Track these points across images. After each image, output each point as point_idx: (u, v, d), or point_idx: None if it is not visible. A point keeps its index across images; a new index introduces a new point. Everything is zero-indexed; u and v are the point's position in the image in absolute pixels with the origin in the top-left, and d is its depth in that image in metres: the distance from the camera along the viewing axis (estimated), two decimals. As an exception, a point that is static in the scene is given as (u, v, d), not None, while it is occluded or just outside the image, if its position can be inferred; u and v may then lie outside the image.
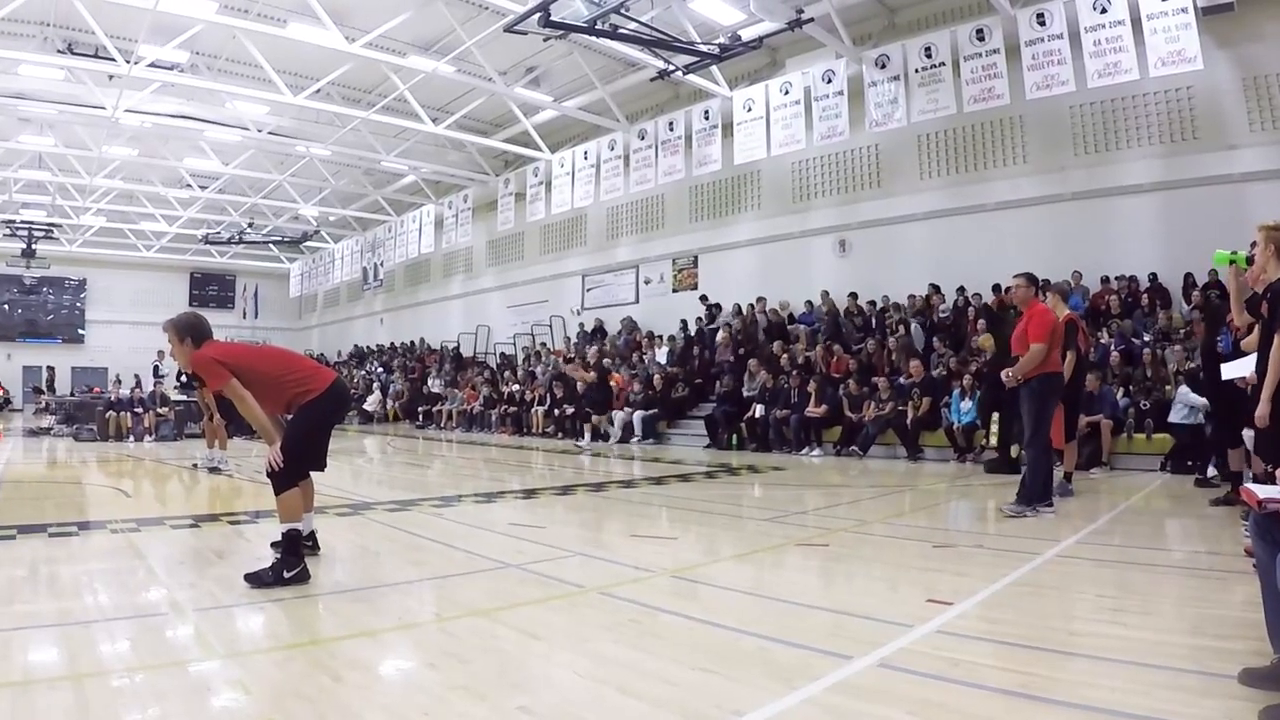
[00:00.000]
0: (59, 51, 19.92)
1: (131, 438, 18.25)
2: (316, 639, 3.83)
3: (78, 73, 20.12)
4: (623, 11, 14.26)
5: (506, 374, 25.11)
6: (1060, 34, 14.38)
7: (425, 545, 6.30)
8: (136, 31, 17.35)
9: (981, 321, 15.36)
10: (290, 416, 5.04)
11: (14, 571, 5.21)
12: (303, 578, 4.68)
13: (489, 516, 8.17)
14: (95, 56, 19.22)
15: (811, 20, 15.58)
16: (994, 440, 12.56)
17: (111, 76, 19.62)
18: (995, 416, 12.48)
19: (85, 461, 14.10)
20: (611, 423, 19.02)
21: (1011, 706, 2.93)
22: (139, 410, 19.18)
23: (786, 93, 18.00)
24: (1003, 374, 8.04)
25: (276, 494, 4.85)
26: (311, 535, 5.28)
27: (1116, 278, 15.30)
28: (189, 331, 4.99)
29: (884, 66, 16.63)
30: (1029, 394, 7.74)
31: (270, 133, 24.51)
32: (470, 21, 18.06)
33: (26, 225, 33.15)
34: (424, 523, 7.41)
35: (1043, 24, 14.55)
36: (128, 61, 18.11)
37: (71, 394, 28.23)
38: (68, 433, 20.12)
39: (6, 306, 39.44)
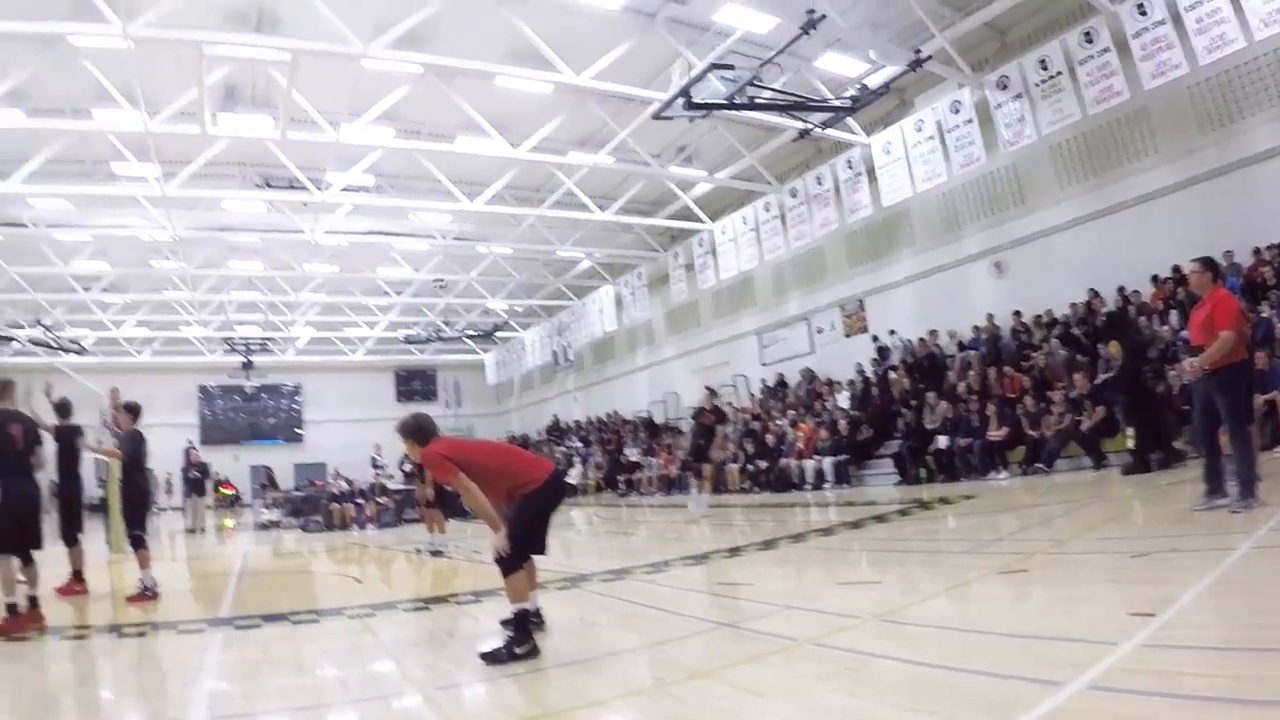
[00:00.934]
0: (257, 186, 24.69)
1: (355, 526, 21.76)
2: (548, 711, 4.57)
3: (276, 203, 25.06)
4: (756, 83, 16.40)
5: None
6: (1163, 20, 15.55)
7: (641, 612, 7.17)
8: (324, 162, 21.76)
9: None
10: (513, 505, 5.98)
11: (263, 656, 6.43)
12: (533, 653, 5.53)
13: (698, 578, 9.04)
14: (290, 188, 23.58)
15: (929, 58, 17.43)
16: (1131, 443, 13.91)
17: (306, 204, 24.36)
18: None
19: (315, 551, 16.67)
20: (802, 472, 21.34)
21: (1224, 714, 3.33)
22: (360, 501, 22.85)
23: (920, 129, 20.24)
24: (1186, 364, 8.72)
25: (504, 577, 5.74)
26: (537, 612, 6.07)
27: (1267, 247, 16.16)
28: (414, 433, 6.17)
29: (1005, 87, 18.57)
30: (1220, 386, 8.24)
31: (454, 238, 29.73)
32: (620, 114, 21.17)
33: (244, 341, 40.79)
34: (638, 590, 8.32)
35: (1144, 14, 15.81)
36: (319, 189, 22.52)
37: (296, 489, 32.79)
38: (296, 525, 24.04)
39: (232, 413, 47.63)
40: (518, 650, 5.53)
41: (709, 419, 17.30)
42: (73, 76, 18.60)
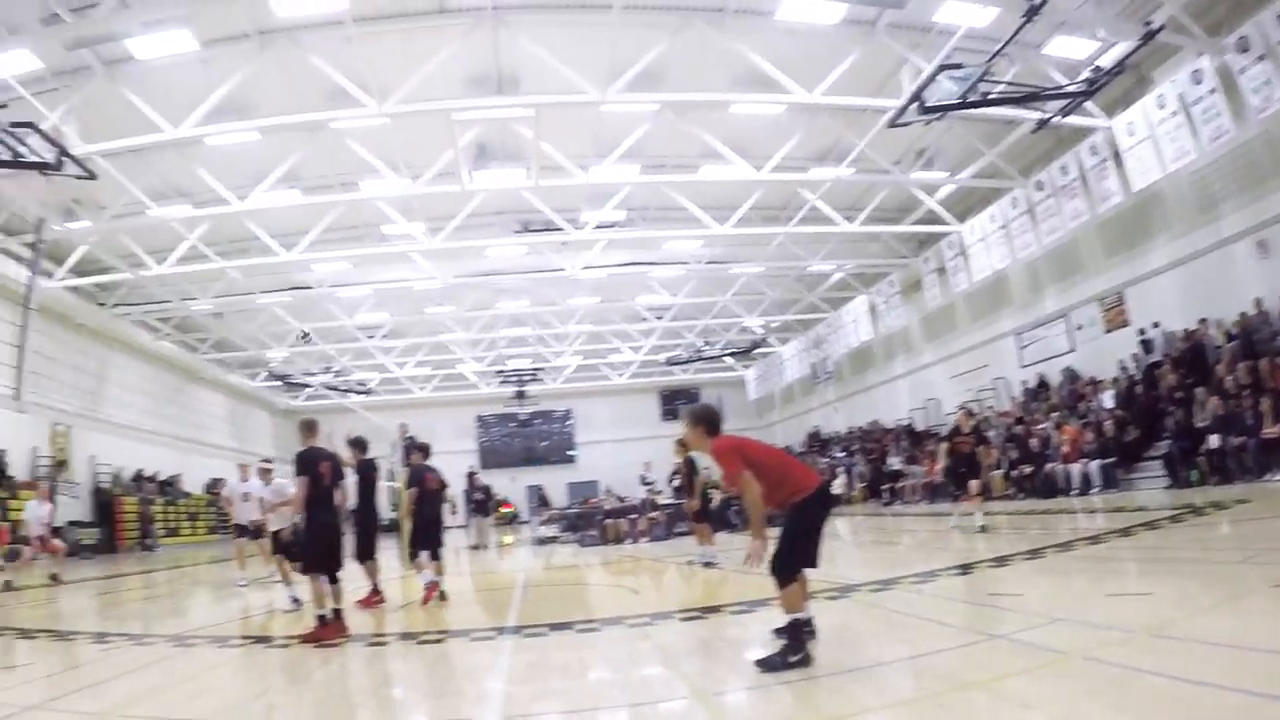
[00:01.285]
0: (516, 231, 26.51)
1: (628, 540, 22.33)
2: (820, 716, 4.72)
3: (536, 245, 26.73)
4: (988, 78, 16.18)
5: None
6: None
7: (908, 622, 7.14)
8: (576, 203, 23.25)
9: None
10: (784, 514, 5.97)
11: (550, 661, 6.84)
12: (805, 662, 5.56)
13: (965, 588, 8.95)
14: (547, 230, 25.20)
15: (1161, 28, 16.37)
16: None
17: (564, 243, 26.11)
18: None
19: (591, 564, 17.19)
20: (1069, 477, 20.53)
21: None
22: (633, 516, 23.47)
23: (1162, 106, 19.07)
24: None
25: (780, 589, 5.75)
26: (809, 621, 5.84)
27: None
28: (703, 419, 6.20)
29: (1246, 50, 17.03)
30: None
31: (707, 261, 30.69)
32: (854, 125, 21.46)
33: (515, 373, 43.55)
34: (906, 600, 8.21)
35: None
36: (575, 228, 24.00)
37: (570, 506, 34.06)
38: (572, 540, 25.12)
39: (508, 439, 51.13)
40: (791, 658, 5.60)
41: (965, 444, 15.70)
42: (338, 154, 20.98)
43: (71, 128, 16.82)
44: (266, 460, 14.81)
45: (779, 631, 5.93)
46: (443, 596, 11.48)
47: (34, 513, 19.02)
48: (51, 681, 7.57)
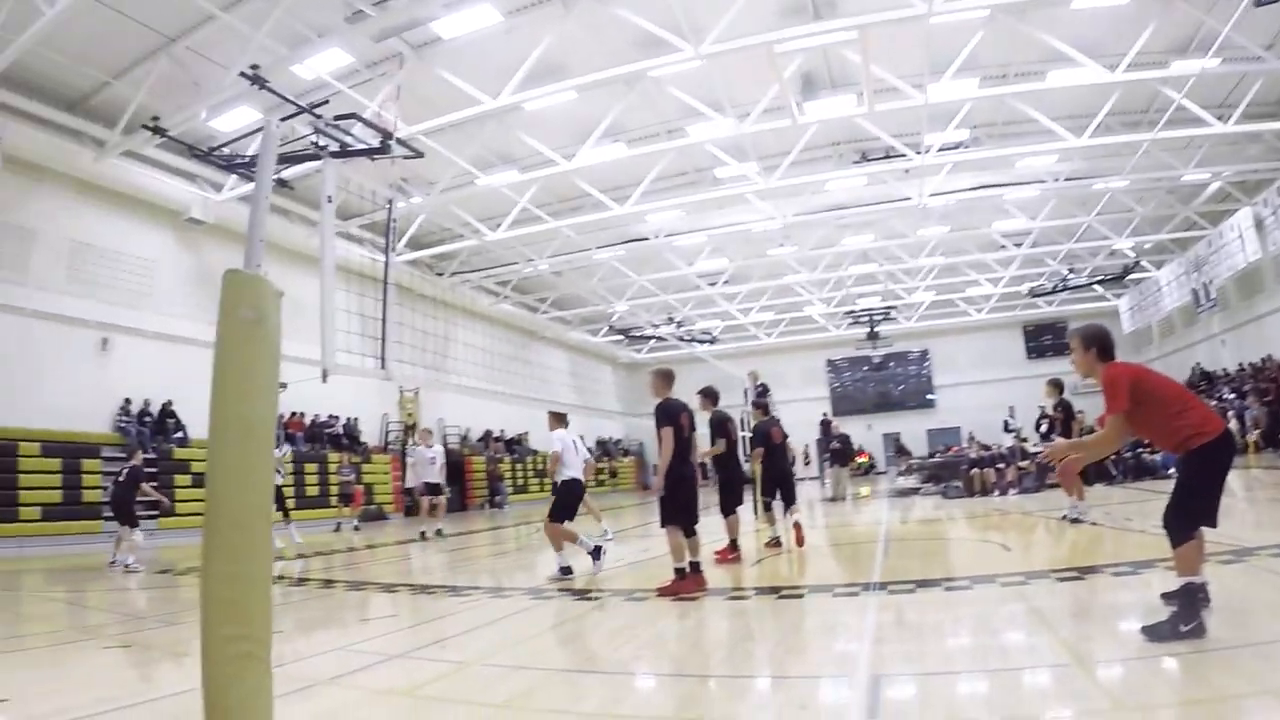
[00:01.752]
0: (855, 162, 25.63)
1: (996, 491, 21.43)
2: (1216, 695, 4.21)
3: (877, 175, 25.80)
4: None
5: None
6: None
7: None
8: (916, 125, 21.96)
9: None
10: (1182, 460, 5.44)
11: (919, 620, 6.69)
12: (1199, 633, 5.00)
13: None
14: (887, 157, 24.35)
15: None
16: None
17: (908, 170, 24.78)
18: None
19: (955, 518, 16.58)
20: None
21: None
22: (1002, 466, 22.40)
23: None
24: None
25: (1174, 547, 5.24)
26: (1204, 587, 5.27)
27: None
28: (1094, 342, 5.80)
29: None
30: None
31: (1066, 179, 28.52)
32: (1215, 8, 19.38)
33: (867, 312, 42.34)
34: None
35: None
36: (917, 153, 22.90)
37: (931, 455, 33.58)
38: (935, 491, 24.24)
39: (860, 384, 50.30)
40: (1183, 627, 5.08)
41: None
42: (659, 102, 21.07)
43: (392, 112, 17.51)
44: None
45: (1169, 597, 5.51)
46: (776, 543, 12.12)
47: (423, 456, 20.62)
48: (414, 632, 8.12)
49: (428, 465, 20.48)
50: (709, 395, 12.20)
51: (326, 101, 16.79)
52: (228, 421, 4.49)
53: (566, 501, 11.07)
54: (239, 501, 4.40)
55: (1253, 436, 28.46)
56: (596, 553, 10.77)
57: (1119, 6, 19.15)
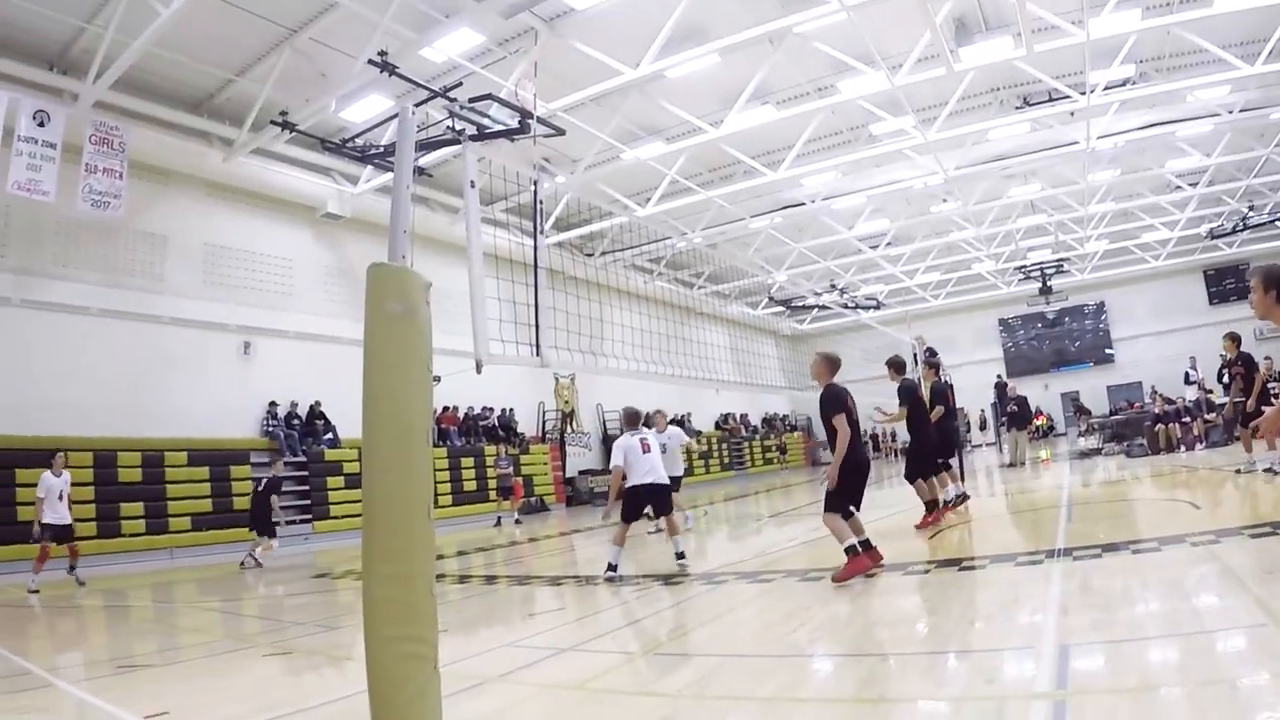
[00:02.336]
0: (1017, 108, 24.79)
1: (1182, 447, 21.10)
2: None
3: (1042, 120, 24.77)
4: None
5: None
6: None
7: None
8: (1078, 65, 20.98)
9: None
10: None
11: (1107, 585, 6.61)
12: None
13: None
14: (1050, 100, 23.51)
15: None
16: None
17: (1073, 113, 23.96)
18: None
19: (1139, 477, 16.35)
20: None
21: None
22: (1187, 420, 22.03)
23: None
24: None
25: None
26: None
27: None
28: (1275, 283, 5.39)
29: None
30: None
31: (1241, 110, 26.95)
32: None
33: (1038, 266, 40.96)
34: None
35: None
36: (1082, 94, 21.87)
37: (1112, 412, 32.58)
38: (1118, 450, 23.73)
39: (1035, 342, 48.67)
40: None
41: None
42: (807, 60, 20.59)
43: (528, 90, 17.45)
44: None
45: None
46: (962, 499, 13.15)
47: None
48: (581, 625, 8.22)
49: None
50: (896, 366, 12.85)
51: (460, 84, 16.77)
52: (382, 419, 4.52)
53: (630, 506, 11.20)
54: (398, 500, 4.42)
55: None
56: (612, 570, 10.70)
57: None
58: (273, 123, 18.77)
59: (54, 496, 14.27)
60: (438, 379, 5.08)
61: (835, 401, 8.72)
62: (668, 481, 11.62)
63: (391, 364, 4.54)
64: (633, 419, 11.74)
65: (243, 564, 16.74)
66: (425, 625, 4.34)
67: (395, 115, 12.33)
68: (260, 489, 17.19)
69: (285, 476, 19.90)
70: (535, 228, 7.69)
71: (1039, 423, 40.69)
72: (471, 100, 16.36)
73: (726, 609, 8.06)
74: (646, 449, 11.23)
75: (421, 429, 4.59)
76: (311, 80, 18.71)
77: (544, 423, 32.29)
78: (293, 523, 20.17)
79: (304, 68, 18.62)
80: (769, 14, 18.37)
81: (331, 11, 16.94)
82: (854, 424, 8.71)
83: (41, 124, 16.43)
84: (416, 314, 4.62)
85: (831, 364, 9.12)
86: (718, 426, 42.83)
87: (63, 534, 14.48)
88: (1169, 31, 20.80)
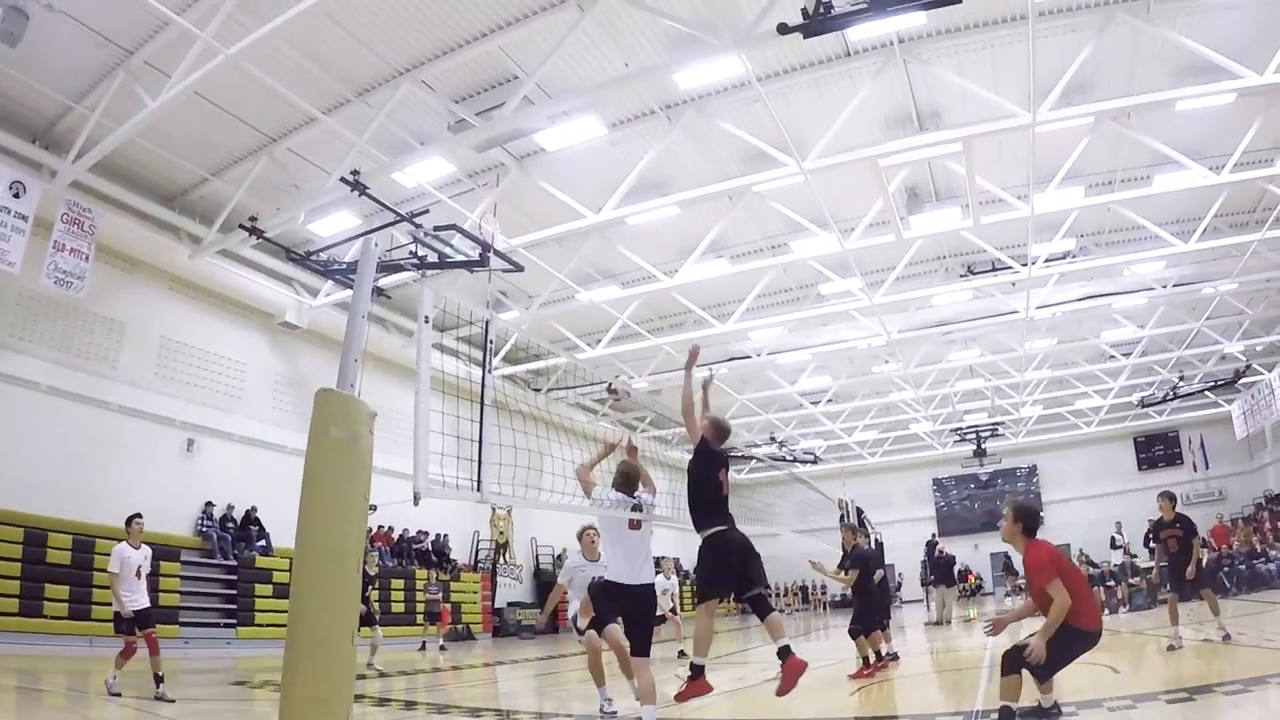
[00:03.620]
0: (961, 276, 25.74)
1: (1106, 610, 21.33)
2: None
3: (984, 289, 25.77)
4: None
5: None
6: None
7: None
8: (1021, 237, 21.79)
9: None
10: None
11: None
12: None
13: None
14: (993, 270, 24.32)
15: None
16: None
17: (1014, 283, 24.79)
18: None
19: None
20: None
21: None
22: (1111, 584, 22.65)
23: None
24: None
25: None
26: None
27: None
28: (1022, 515, 7.63)
29: None
30: None
31: (1174, 285, 28.04)
32: None
33: (973, 429, 41.89)
34: None
35: None
36: (1024, 265, 22.87)
37: None
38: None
39: (967, 502, 49.62)
40: None
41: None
42: (763, 218, 21.54)
43: (494, 225, 17.96)
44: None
45: None
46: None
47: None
48: None
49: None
50: (853, 530, 13.82)
51: (427, 210, 17.18)
52: (315, 542, 4.66)
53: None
54: (324, 623, 4.53)
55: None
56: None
57: (1222, 107, 18.93)
58: (241, 226, 18.80)
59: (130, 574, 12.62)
60: (374, 508, 5.20)
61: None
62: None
63: (330, 488, 4.69)
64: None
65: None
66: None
67: (361, 235, 12.52)
68: None
69: (212, 579, 19.37)
70: (484, 366, 7.82)
71: (969, 582, 41.06)
72: (436, 228, 16.79)
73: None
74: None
75: (353, 556, 4.74)
76: (284, 189, 19.24)
77: (477, 551, 32.10)
78: (216, 625, 19.67)
79: (278, 176, 19.10)
80: (731, 172, 19.36)
81: (312, 126, 17.44)
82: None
83: (17, 195, 16.41)
84: (359, 442, 4.82)
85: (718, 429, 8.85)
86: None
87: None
88: (1109, 209, 21.98)
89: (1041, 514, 44.83)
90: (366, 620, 15.95)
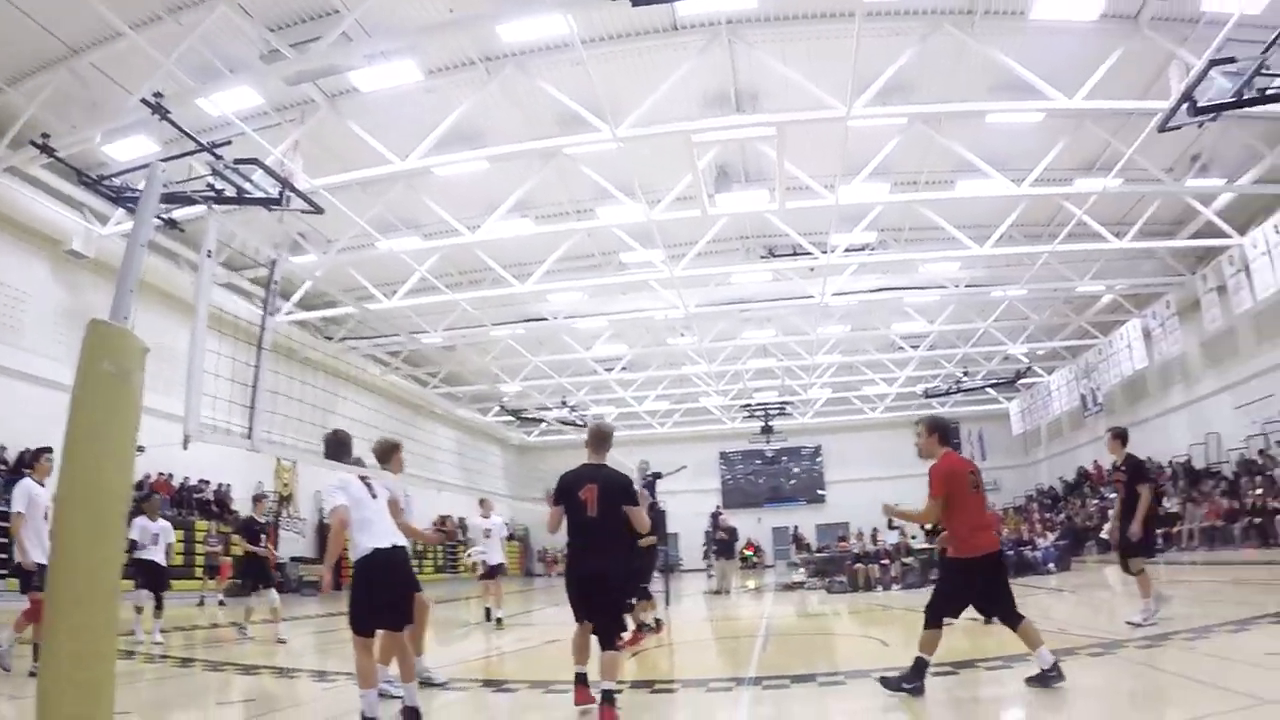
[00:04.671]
0: (762, 257, 26.35)
1: (880, 587, 22.20)
2: None
3: (783, 271, 26.47)
4: (1265, 71, 14.77)
5: (1245, 482, 26.02)
6: None
7: (1178, 684, 6.93)
8: (825, 225, 22.40)
9: None
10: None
11: (787, 716, 7.13)
12: (918, 692, 6.79)
13: (1243, 646, 8.34)
14: (794, 254, 24.92)
15: None
16: None
17: (813, 269, 25.48)
18: None
19: (838, 612, 17.16)
20: None
21: None
22: (885, 561, 23.25)
23: None
24: None
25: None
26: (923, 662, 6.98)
27: None
28: (939, 428, 7.83)
29: None
30: None
31: (966, 285, 29.56)
32: (1121, 131, 20.22)
33: (763, 406, 43.26)
34: (1175, 659, 7.97)
35: None
36: (823, 253, 23.48)
37: (819, 550, 33.58)
38: (820, 585, 24.88)
39: (752, 477, 51.41)
40: (905, 685, 6.89)
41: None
42: (572, 181, 21.50)
43: (296, 162, 17.37)
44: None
45: (1034, 681, 6.75)
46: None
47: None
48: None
49: (484, 539, 17.48)
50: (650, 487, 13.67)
51: (229, 142, 16.12)
52: (77, 484, 4.41)
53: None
54: (87, 572, 4.31)
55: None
56: None
57: (1031, 125, 20.19)
58: (32, 143, 17.30)
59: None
60: (141, 449, 4.99)
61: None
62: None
63: (98, 425, 4.45)
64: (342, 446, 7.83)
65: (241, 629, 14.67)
66: (104, 708, 4.24)
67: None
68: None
69: None
70: (266, 307, 7.46)
71: (749, 554, 42.20)
72: (238, 161, 16.00)
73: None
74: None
75: (120, 499, 4.52)
76: (82, 107, 17.80)
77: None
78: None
79: (77, 92, 17.68)
80: (545, 132, 19.27)
81: (118, 41, 16.21)
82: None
83: None
84: (130, 378, 4.56)
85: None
86: (438, 527, 42.57)
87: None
88: (911, 207, 22.97)
89: (823, 491, 46.92)
90: (262, 577, 15.32)
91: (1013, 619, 7.10)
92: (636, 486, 16.14)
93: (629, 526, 7.30)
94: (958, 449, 8.17)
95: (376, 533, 6.93)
